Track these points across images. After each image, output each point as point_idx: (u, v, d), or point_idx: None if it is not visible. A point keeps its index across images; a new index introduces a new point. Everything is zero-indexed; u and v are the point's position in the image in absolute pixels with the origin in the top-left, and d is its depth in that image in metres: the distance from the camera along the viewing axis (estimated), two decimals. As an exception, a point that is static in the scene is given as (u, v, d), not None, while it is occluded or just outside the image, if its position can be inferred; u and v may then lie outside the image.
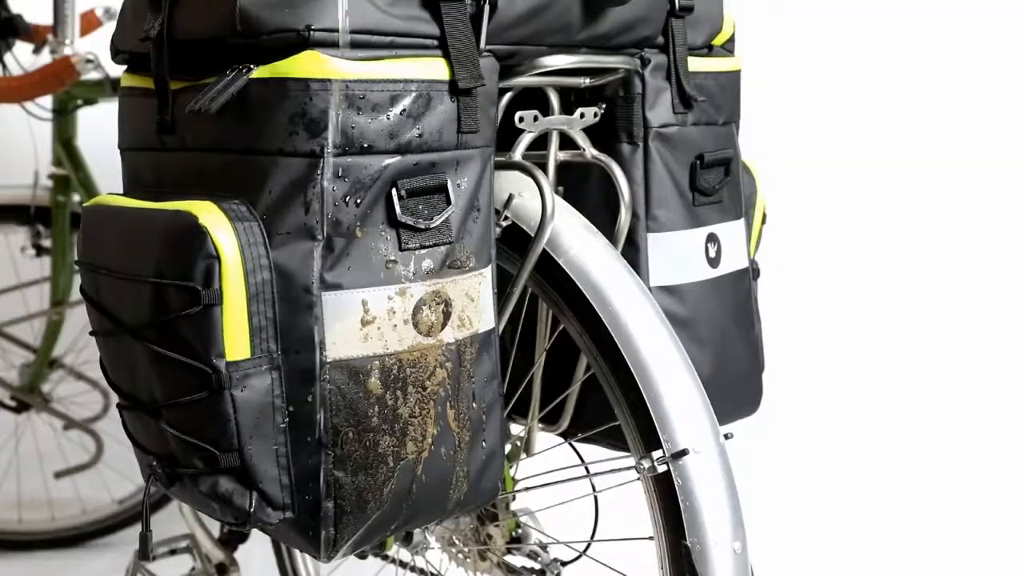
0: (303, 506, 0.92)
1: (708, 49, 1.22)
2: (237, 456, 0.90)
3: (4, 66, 1.93)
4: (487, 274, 1.00)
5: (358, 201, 0.90)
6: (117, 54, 1.06)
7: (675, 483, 1.02)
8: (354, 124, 0.90)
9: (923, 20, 2.17)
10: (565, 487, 1.20)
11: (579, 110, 1.14)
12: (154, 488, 0.99)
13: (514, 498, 1.31)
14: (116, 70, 1.70)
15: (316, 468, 0.92)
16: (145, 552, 0.99)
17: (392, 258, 0.92)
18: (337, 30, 0.90)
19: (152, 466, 0.98)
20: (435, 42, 0.95)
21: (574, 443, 1.25)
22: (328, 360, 0.90)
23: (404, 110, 0.92)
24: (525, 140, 1.11)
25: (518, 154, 1.10)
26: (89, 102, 1.99)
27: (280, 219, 0.90)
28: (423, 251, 0.93)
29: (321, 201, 0.89)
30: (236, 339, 0.88)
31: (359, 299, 0.91)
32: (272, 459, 0.91)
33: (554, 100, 1.14)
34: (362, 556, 1.20)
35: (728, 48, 1.26)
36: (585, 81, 1.13)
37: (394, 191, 0.91)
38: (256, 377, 0.90)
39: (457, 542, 1.33)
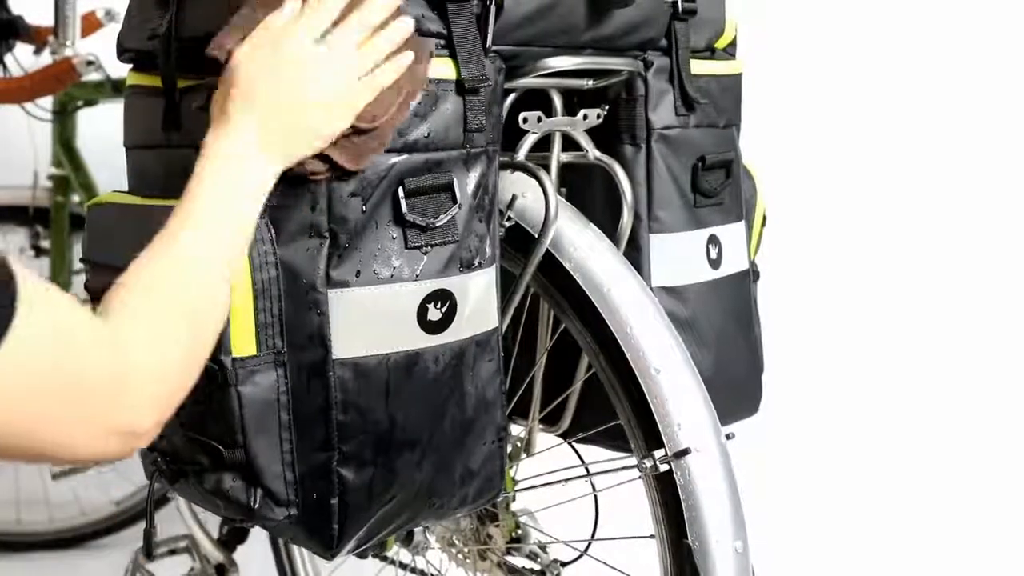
0: (308, 502, 0.92)
1: (710, 52, 1.23)
2: (242, 452, 0.90)
3: (5, 67, 1.94)
4: (491, 273, 1.00)
5: (364, 199, 0.90)
6: (123, 52, 1.06)
7: (677, 482, 1.03)
8: (361, 122, 0.90)
9: (923, 21, 2.17)
10: (565, 487, 1.20)
11: (582, 111, 1.14)
12: (158, 485, 0.99)
13: (514, 498, 1.31)
14: (116, 71, 1.70)
15: (321, 465, 0.92)
16: (149, 549, 0.99)
17: (398, 256, 0.92)
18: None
19: (156, 462, 0.98)
20: (442, 41, 0.95)
21: (574, 443, 1.25)
22: (334, 357, 0.90)
23: (411, 109, 0.92)
24: (529, 141, 1.11)
25: (522, 155, 1.10)
26: (89, 103, 1.99)
27: (287, 216, 0.90)
28: (429, 249, 0.93)
29: (328, 199, 0.89)
30: (242, 335, 0.88)
31: (365, 296, 0.91)
32: (277, 455, 0.91)
33: (557, 101, 1.14)
34: (362, 556, 1.20)
35: (730, 51, 1.26)
36: (588, 83, 1.14)
37: (400, 189, 0.91)
38: (262, 373, 0.90)
39: (457, 542, 1.33)
